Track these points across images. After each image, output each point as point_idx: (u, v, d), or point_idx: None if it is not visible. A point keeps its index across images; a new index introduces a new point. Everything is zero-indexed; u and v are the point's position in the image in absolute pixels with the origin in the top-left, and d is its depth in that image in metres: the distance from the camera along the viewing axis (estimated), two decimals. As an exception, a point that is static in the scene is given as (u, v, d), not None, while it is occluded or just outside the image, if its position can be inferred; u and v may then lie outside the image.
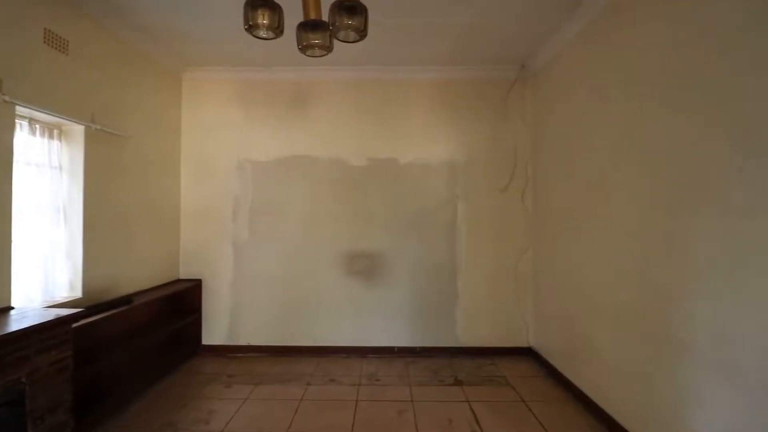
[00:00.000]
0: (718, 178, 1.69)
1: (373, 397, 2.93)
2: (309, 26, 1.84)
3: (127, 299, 2.92)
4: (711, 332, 1.72)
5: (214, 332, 3.84)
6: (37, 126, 2.48)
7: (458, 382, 3.19)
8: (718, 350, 1.69)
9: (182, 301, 3.73)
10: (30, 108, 2.27)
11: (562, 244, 3.14)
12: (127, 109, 3.13)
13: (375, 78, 3.83)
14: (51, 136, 2.60)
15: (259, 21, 1.75)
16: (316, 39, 1.86)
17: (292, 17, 1.97)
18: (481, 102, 3.84)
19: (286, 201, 3.84)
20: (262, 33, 1.80)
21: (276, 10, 1.75)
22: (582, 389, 2.79)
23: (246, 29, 1.79)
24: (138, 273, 3.25)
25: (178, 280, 3.82)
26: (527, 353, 3.76)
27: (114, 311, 2.67)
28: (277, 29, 1.80)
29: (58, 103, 2.46)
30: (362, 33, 1.79)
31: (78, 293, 2.66)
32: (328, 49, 1.93)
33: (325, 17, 1.85)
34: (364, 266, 3.81)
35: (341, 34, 1.80)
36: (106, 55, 2.90)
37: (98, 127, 2.74)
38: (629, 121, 2.29)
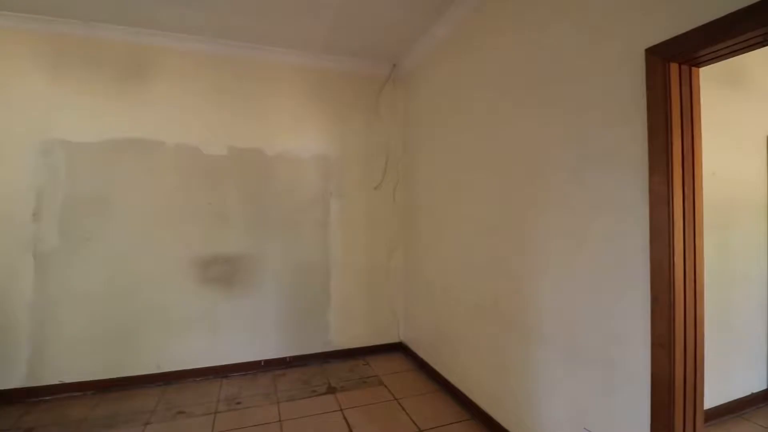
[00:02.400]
0: (559, 179, 1.88)
1: (234, 426, 2.52)
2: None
3: None
4: (557, 319, 1.91)
5: (3, 373, 2.81)
6: None
7: (331, 390, 3.00)
8: (564, 336, 1.88)
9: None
10: None
11: (429, 240, 3.25)
12: None
13: (239, 56, 3.35)
14: None
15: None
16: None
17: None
18: (355, 97, 3.73)
19: (116, 195, 3.05)
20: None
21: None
22: (450, 380, 2.92)
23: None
24: None
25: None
26: (398, 348, 3.81)
27: None
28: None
29: None
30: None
31: None
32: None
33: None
34: (222, 272, 3.30)
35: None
36: None
37: None
38: (486, 123, 2.44)
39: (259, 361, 3.39)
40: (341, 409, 2.71)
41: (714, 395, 2.54)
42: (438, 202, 3.10)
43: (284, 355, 3.46)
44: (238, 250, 3.34)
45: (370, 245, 3.76)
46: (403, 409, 2.72)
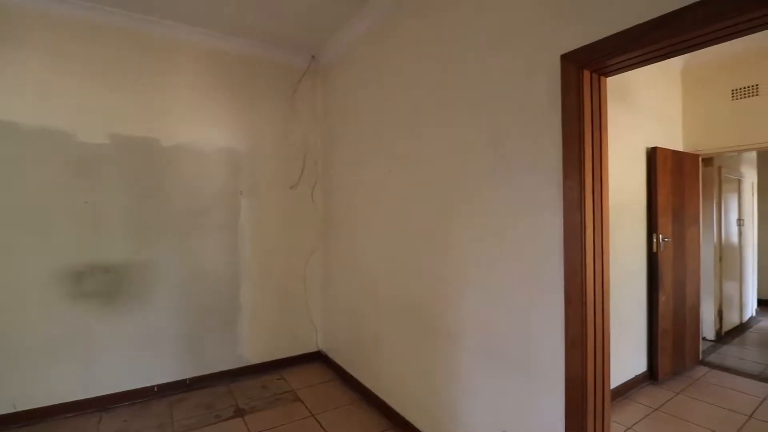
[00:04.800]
0: (483, 181, 1.86)
1: (112, 471, 2.08)
2: None
3: None
4: (479, 322, 1.89)
5: None
6: None
7: (239, 412, 2.68)
8: (485, 339, 1.86)
9: None
10: None
11: (349, 243, 3.10)
12: None
13: (129, 28, 2.83)
14: None
15: None
16: None
17: None
18: (270, 87, 3.41)
19: (-55, 190, 2.36)
20: None
21: None
22: (370, 389, 2.79)
23: None
24: None
25: None
26: (317, 358, 3.60)
27: None
28: None
29: None
30: None
31: None
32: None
33: None
34: (100, 285, 2.75)
35: None
36: None
37: None
38: (410, 123, 2.37)
39: (152, 387, 2.90)
40: (250, 434, 2.42)
41: (607, 381, 2.79)
42: (360, 203, 2.96)
43: (183, 377, 3.02)
44: (124, 258, 2.82)
45: (285, 249, 3.48)
46: (320, 425, 2.52)
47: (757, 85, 3.31)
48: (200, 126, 3.11)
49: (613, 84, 2.89)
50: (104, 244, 2.76)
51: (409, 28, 2.38)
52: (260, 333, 3.34)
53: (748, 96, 3.35)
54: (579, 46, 1.44)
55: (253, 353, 3.30)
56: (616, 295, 2.88)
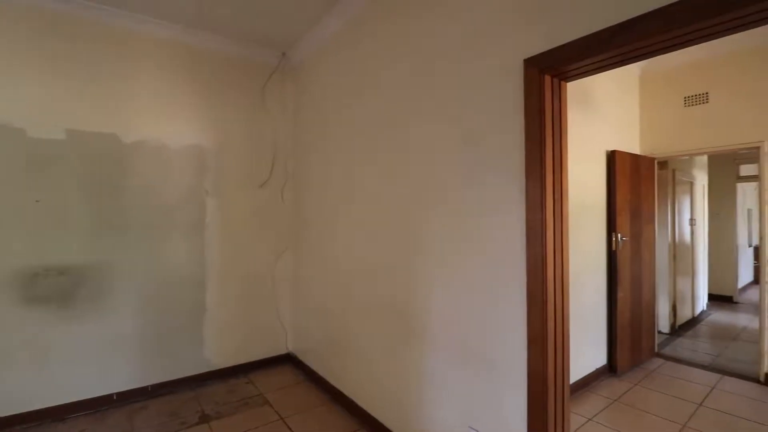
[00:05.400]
0: (453, 182, 1.89)
1: (65, 484, 1.97)
2: None
3: None
4: (448, 320, 1.92)
5: None
6: None
7: (205, 419, 2.60)
8: (453, 336, 1.89)
9: None
10: None
11: (320, 242, 3.07)
12: None
13: (88, 19, 2.69)
14: None
15: None
16: None
17: None
18: (238, 84, 3.33)
19: None
20: None
21: None
22: (340, 389, 2.78)
23: None
24: None
25: None
26: (286, 360, 3.54)
27: None
28: None
29: None
30: None
31: None
32: None
33: None
34: (55, 288, 2.60)
35: None
36: None
37: None
38: (382, 124, 2.37)
39: (111, 395, 2.78)
40: (216, 440, 2.36)
41: (571, 375, 2.90)
42: (331, 202, 2.94)
43: (145, 384, 2.90)
44: (81, 260, 2.68)
45: (254, 249, 3.41)
46: (289, 428, 2.48)
47: (707, 93, 3.53)
48: (164, 122, 2.99)
49: (576, 89, 3.01)
50: (59, 245, 2.61)
51: (381, 30, 2.39)
52: (228, 336, 3.26)
53: (699, 103, 3.57)
54: (541, 51, 1.49)
55: (220, 357, 3.21)
56: (579, 292, 3.00)
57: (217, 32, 3.11)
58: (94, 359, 2.72)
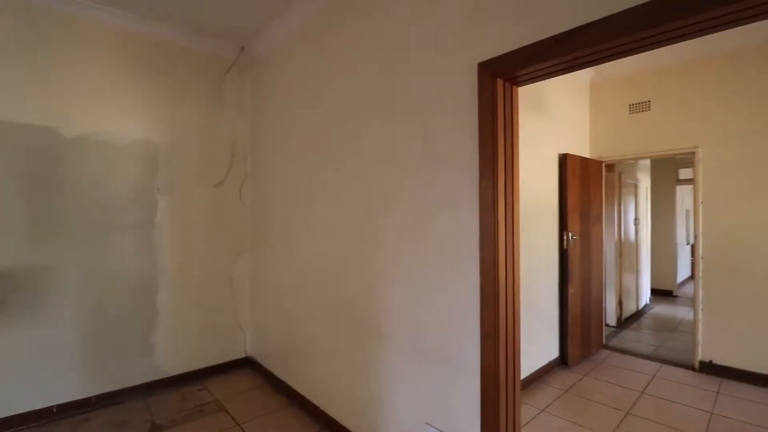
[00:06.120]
0: (412, 182, 1.91)
1: None
2: None
3: None
4: (405, 318, 1.93)
5: None
6: None
7: (155, 429, 2.47)
8: (411, 335, 1.90)
9: None
10: None
11: (280, 243, 3.01)
12: None
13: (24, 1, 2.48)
14: None
15: None
16: None
17: None
18: (193, 78, 3.19)
19: None
20: None
21: None
22: (300, 391, 2.73)
23: None
24: None
25: None
26: (245, 364, 3.44)
27: None
28: None
29: None
30: None
31: None
32: None
33: None
34: (-19, 295, 2.39)
35: None
36: None
37: None
38: (344, 122, 2.35)
39: (50, 408, 2.57)
40: (167, 451, 2.25)
41: (523, 368, 3.02)
42: (291, 202, 2.88)
43: (88, 395, 2.71)
44: (13, 262, 2.46)
45: (211, 250, 3.28)
46: (247, 434, 2.41)
47: (649, 101, 3.78)
48: (112, 115, 2.81)
49: (532, 95, 3.13)
50: (-14, 248, 2.39)
51: (344, 27, 2.36)
52: (181, 341, 3.11)
53: (642, 111, 3.82)
54: (493, 56, 1.53)
55: (172, 363, 3.06)
56: (533, 289, 3.12)
57: (173, 23, 2.97)
58: (30, 370, 2.51)
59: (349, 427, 2.27)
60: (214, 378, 3.21)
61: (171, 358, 3.06)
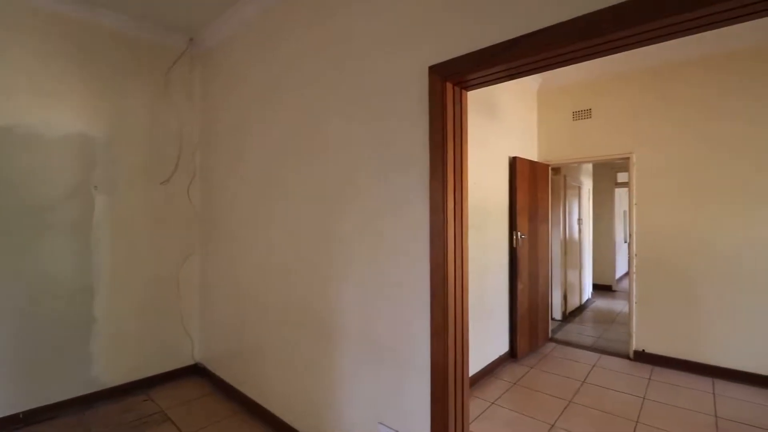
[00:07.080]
0: (367, 181, 1.91)
1: None
2: None
3: None
4: (359, 319, 1.93)
5: None
6: None
7: (91, 444, 2.30)
8: (365, 335, 1.91)
9: None
10: None
11: (232, 244, 2.90)
12: None
13: None
14: None
15: None
16: None
17: None
18: (137, 68, 2.99)
19: None
20: None
21: None
22: (252, 397, 2.65)
23: None
24: None
25: None
26: (193, 372, 3.28)
27: None
28: None
29: None
30: None
31: None
32: None
33: None
34: None
35: None
36: None
37: None
38: (300, 119, 2.31)
39: (-36, 429, 2.32)
40: (104, 468, 2.10)
41: (476, 363, 3.13)
42: (243, 202, 2.79)
43: (15, 411, 2.47)
44: None
45: (155, 252, 3.10)
46: (194, 444, 2.31)
47: (590, 109, 4.05)
48: (41, 106, 2.58)
49: (484, 100, 3.25)
50: None
51: (300, 23, 2.31)
52: (122, 349, 2.92)
53: (584, 118, 4.08)
54: (442, 60, 1.57)
55: (112, 374, 2.86)
56: (485, 286, 3.24)
57: (115, 9, 2.77)
58: (-62, 389, 2.24)
59: (301, 430, 2.23)
60: (160, 387, 3.04)
61: (112, 368, 2.85)
